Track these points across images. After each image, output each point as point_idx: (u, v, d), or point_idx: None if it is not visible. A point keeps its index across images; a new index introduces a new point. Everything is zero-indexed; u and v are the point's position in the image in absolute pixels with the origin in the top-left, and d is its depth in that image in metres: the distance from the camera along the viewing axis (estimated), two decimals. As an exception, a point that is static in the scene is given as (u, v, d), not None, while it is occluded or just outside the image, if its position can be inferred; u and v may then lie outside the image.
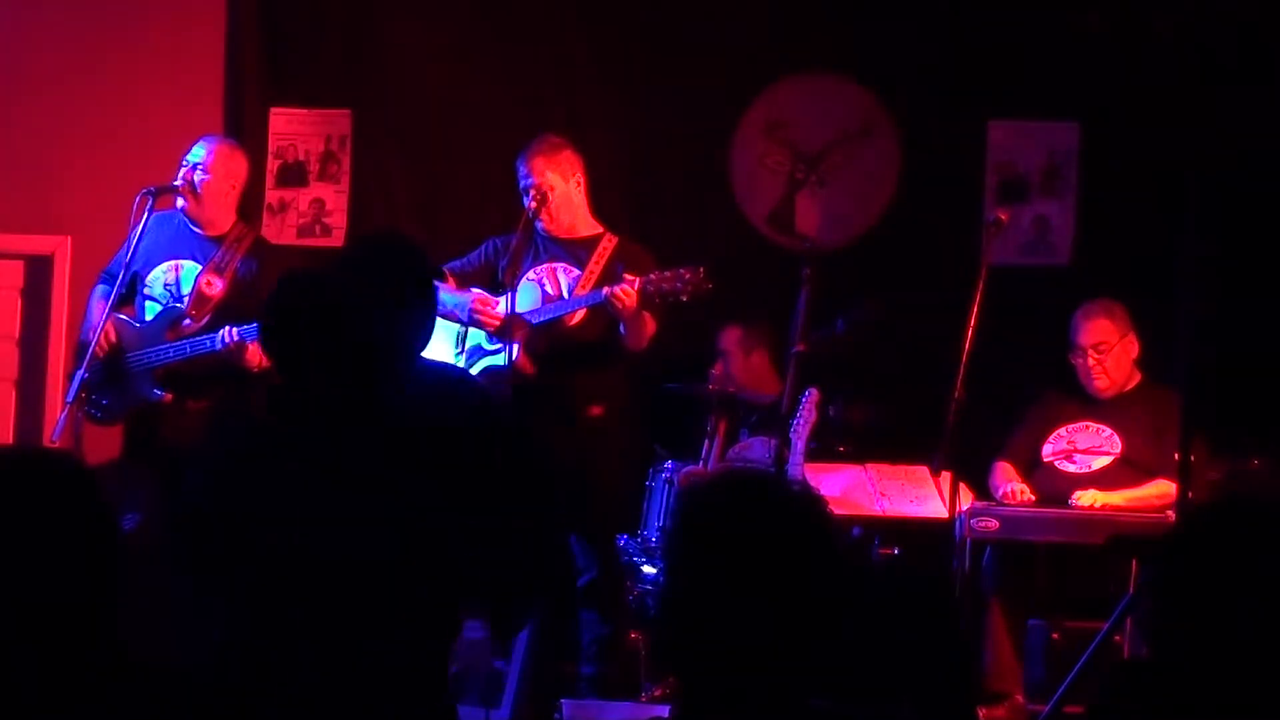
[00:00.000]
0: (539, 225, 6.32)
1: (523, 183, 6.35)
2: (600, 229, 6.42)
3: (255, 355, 6.20)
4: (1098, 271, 7.22)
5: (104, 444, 6.62)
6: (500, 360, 6.19)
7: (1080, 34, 7.36)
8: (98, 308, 6.48)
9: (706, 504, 2.43)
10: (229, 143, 6.85)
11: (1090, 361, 6.51)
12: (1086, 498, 6.27)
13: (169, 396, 6.39)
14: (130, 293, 6.56)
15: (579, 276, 6.28)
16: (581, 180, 6.39)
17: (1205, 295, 5.80)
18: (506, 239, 6.37)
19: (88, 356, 6.29)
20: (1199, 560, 2.62)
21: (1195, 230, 5.93)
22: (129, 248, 6.45)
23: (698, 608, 2.34)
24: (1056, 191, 7.53)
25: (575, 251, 6.34)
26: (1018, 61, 7.46)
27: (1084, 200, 7.50)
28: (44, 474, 2.39)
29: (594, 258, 6.30)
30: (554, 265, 6.34)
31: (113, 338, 6.44)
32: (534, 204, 6.28)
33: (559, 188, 6.31)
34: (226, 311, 6.38)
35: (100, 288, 6.60)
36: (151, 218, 6.51)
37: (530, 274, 6.32)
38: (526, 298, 6.26)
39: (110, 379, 6.45)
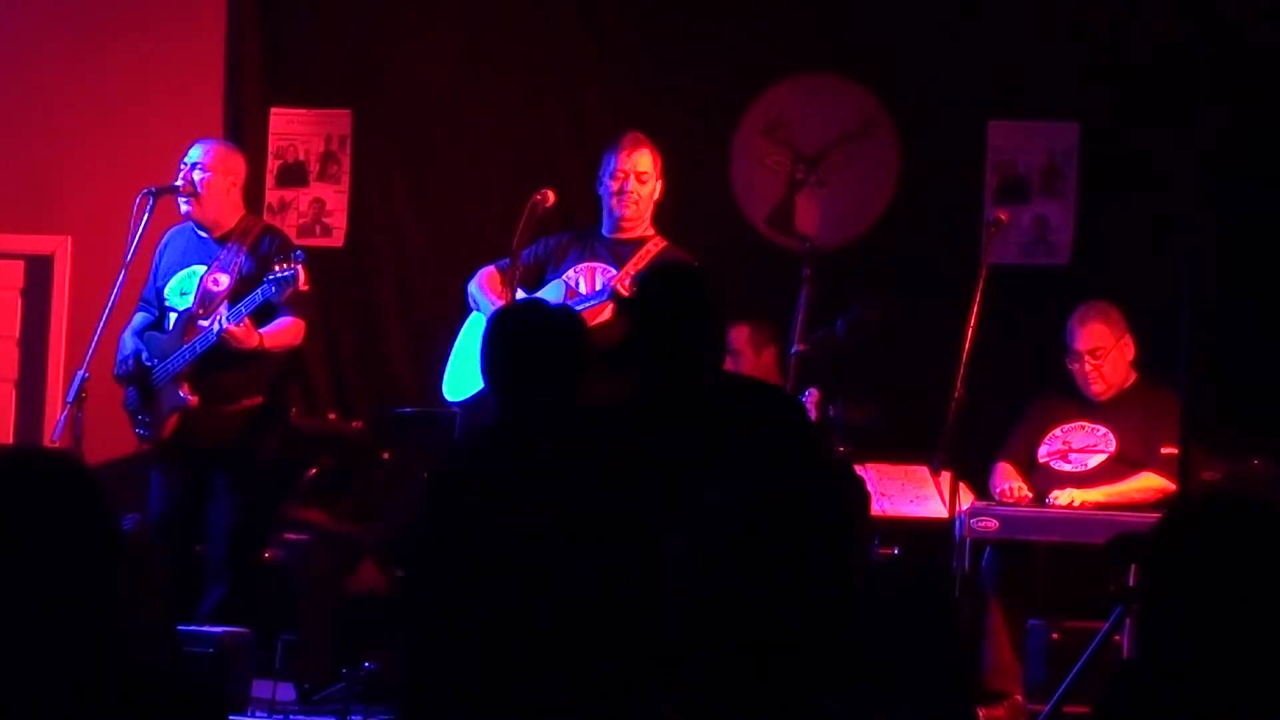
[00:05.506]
0: (618, 216, 6.31)
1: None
2: (651, 232, 6.36)
3: (249, 335, 6.26)
4: (1098, 271, 7.21)
5: (104, 444, 6.62)
6: None
7: (1080, 34, 7.35)
8: (129, 340, 6.59)
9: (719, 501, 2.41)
10: (225, 142, 6.98)
11: (1087, 367, 6.47)
12: (1064, 497, 6.26)
13: (194, 400, 6.40)
14: (161, 313, 6.65)
15: (614, 277, 6.19)
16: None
17: (1205, 295, 5.80)
18: (559, 237, 6.39)
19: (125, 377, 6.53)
20: (1178, 558, 2.61)
21: (1195, 230, 5.93)
22: (153, 269, 6.64)
23: (706, 605, 2.33)
24: (1056, 191, 7.52)
25: (619, 252, 6.27)
26: (1018, 61, 7.45)
27: (1084, 200, 7.49)
28: (44, 474, 2.39)
29: (634, 259, 6.22)
30: (594, 265, 6.28)
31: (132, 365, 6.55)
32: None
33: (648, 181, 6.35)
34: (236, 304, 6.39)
35: (138, 316, 6.70)
36: (167, 234, 6.69)
37: (570, 271, 6.27)
38: (549, 296, 6.21)
39: (145, 397, 6.50)
